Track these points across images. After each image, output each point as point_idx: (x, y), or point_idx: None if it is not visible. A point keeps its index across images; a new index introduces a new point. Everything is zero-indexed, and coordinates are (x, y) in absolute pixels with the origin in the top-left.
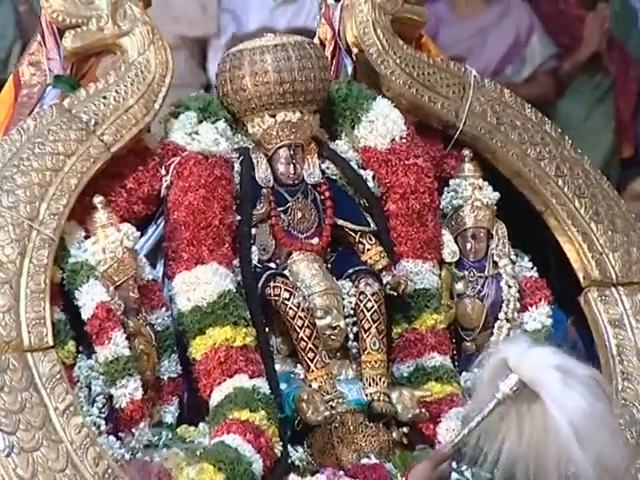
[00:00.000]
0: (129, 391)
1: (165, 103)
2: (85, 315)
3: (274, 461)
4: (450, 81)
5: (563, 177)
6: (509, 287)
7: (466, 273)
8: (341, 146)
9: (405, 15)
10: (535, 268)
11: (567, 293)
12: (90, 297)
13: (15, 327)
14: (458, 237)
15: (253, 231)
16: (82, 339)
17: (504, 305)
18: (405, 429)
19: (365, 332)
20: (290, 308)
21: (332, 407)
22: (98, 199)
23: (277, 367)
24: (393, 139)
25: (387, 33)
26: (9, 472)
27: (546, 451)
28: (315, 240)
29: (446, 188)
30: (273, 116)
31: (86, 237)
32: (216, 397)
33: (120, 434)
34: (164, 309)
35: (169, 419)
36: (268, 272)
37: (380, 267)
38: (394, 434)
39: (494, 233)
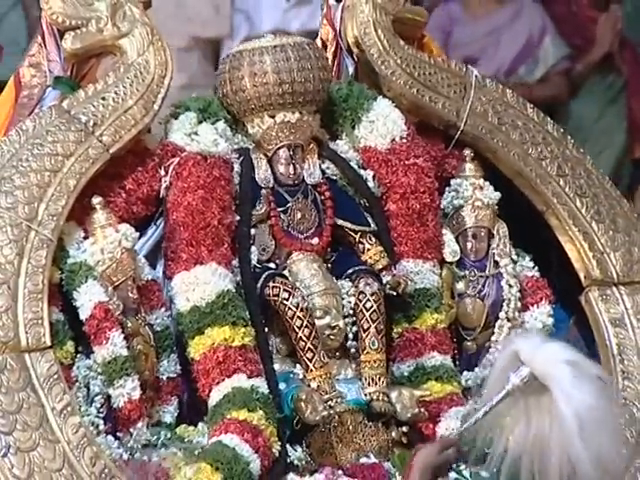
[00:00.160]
0: (127, 391)
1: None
2: (83, 315)
3: (272, 461)
4: (451, 81)
5: (564, 177)
6: (510, 286)
7: (467, 273)
8: (341, 146)
9: (406, 15)
10: (536, 267)
11: (569, 292)
12: (88, 297)
13: (12, 327)
14: (459, 237)
15: (253, 231)
16: (81, 339)
17: (505, 304)
18: (405, 428)
19: (364, 332)
20: (289, 308)
21: (331, 407)
22: (97, 200)
23: (276, 367)
24: (393, 139)
25: (388, 33)
26: (5, 472)
27: (550, 444)
28: (315, 240)
29: (447, 188)
30: (272, 117)
31: (85, 238)
32: (215, 397)
33: (118, 434)
34: (163, 309)
35: (168, 419)
36: (267, 272)
37: (380, 267)
38: (393, 433)
39: (495, 233)
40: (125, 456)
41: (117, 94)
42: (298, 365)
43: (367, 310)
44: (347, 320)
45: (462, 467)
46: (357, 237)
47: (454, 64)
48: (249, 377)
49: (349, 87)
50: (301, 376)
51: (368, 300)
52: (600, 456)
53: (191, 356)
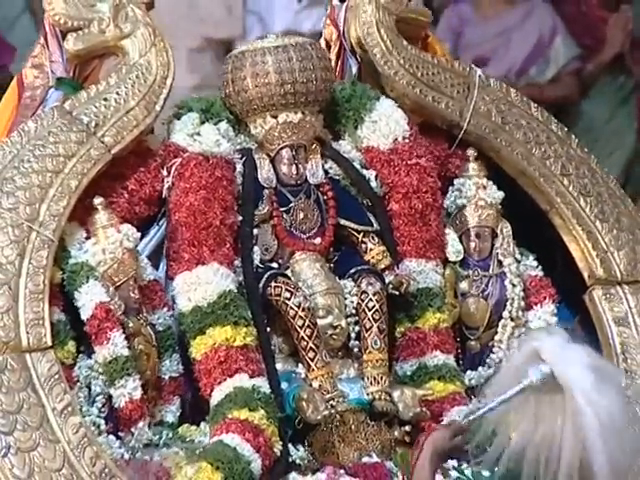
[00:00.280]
0: (128, 391)
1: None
2: (84, 315)
3: (273, 460)
4: (455, 81)
5: (568, 176)
6: (513, 286)
7: (470, 272)
8: (344, 146)
9: (410, 15)
10: (540, 267)
11: (574, 292)
12: (89, 297)
13: (13, 328)
14: (462, 236)
15: (255, 231)
16: (83, 339)
17: (508, 304)
18: (407, 428)
19: (366, 331)
20: (291, 308)
21: (332, 406)
22: (98, 200)
23: (279, 366)
24: (396, 139)
25: (391, 33)
26: (5, 472)
27: (563, 443)
28: (318, 240)
29: (450, 187)
30: (275, 117)
31: (87, 238)
32: (216, 396)
33: (120, 433)
34: (165, 309)
35: (170, 418)
36: (269, 272)
37: (383, 266)
38: (396, 433)
39: (499, 232)
40: (127, 456)
41: (119, 95)
42: (300, 365)
43: (369, 310)
44: (349, 320)
45: (464, 466)
46: (360, 237)
47: (458, 64)
48: (251, 377)
49: (352, 87)
50: (303, 375)
51: (370, 300)
52: (615, 461)
53: (193, 356)
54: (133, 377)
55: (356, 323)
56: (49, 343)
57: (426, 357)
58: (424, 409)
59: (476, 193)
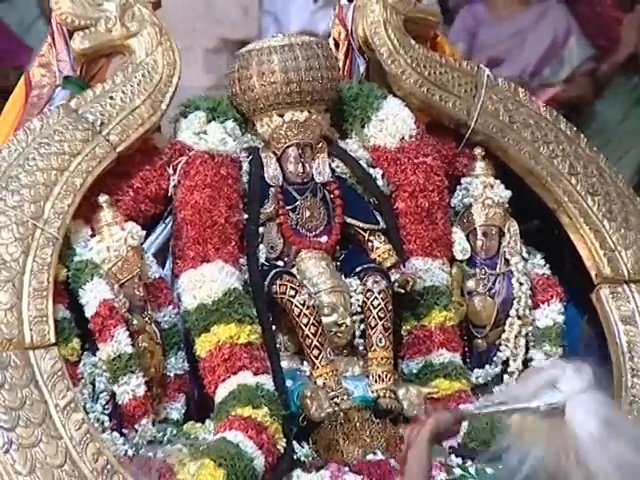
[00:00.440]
0: (131, 388)
1: None
2: (88, 313)
3: (277, 457)
4: (462, 80)
5: (576, 175)
6: (520, 284)
7: (477, 271)
8: (351, 145)
9: (418, 15)
10: (548, 265)
11: (582, 290)
12: (94, 295)
13: (17, 325)
14: (469, 235)
15: (261, 230)
16: (88, 337)
17: (515, 302)
18: None
19: (371, 329)
20: (295, 306)
21: (336, 404)
22: (103, 198)
23: (284, 364)
24: (402, 138)
25: (398, 33)
26: (7, 468)
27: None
28: (324, 238)
29: (458, 186)
30: (281, 115)
31: (92, 236)
32: (220, 394)
33: (124, 430)
34: (171, 307)
35: (175, 416)
36: (275, 270)
37: (389, 265)
38: (401, 430)
39: (506, 231)
40: (130, 452)
41: (125, 93)
42: (305, 362)
43: (374, 308)
44: (355, 318)
45: (468, 464)
46: (366, 235)
47: (466, 63)
48: (255, 374)
49: (359, 86)
50: (308, 373)
51: (375, 298)
52: None
53: (198, 353)
54: (137, 374)
55: (361, 321)
56: (52, 340)
57: (432, 355)
58: (429, 407)
59: (483, 192)
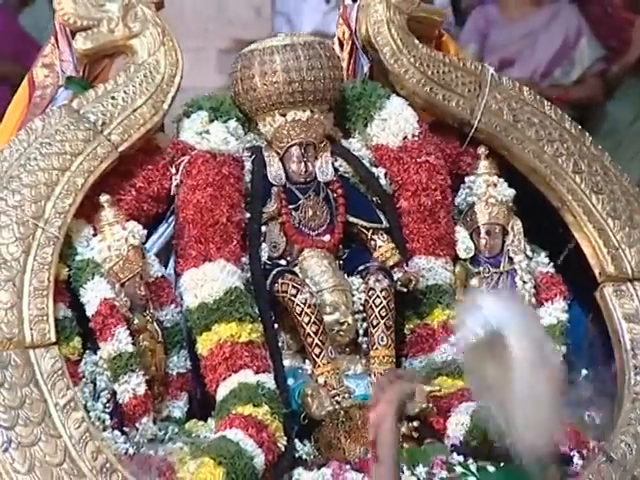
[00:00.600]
0: (132, 386)
1: None
2: (89, 312)
3: (278, 455)
4: (466, 79)
5: (580, 173)
6: (524, 282)
7: (481, 269)
8: (354, 144)
9: (421, 14)
10: (552, 264)
11: (587, 289)
12: (94, 294)
13: (17, 324)
14: (473, 233)
15: (263, 229)
16: (89, 336)
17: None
18: (415, 423)
19: (373, 328)
20: (297, 304)
21: (338, 402)
22: (104, 198)
23: (286, 363)
24: (405, 137)
25: (402, 32)
26: (6, 467)
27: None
28: (326, 237)
29: (462, 185)
30: (283, 115)
31: (94, 235)
32: (221, 392)
33: (125, 429)
34: (173, 305)
35: (177, 414)
36: (277, 269)
37: (392, 264)
38: (403, 428)
39: (509, 229)
40: (131, 451)
41: (126, 93)
42: (307, 361)
43: (376, 306)
44: (357, 316)
45: (469, 461)
46: (369, 234)
47: (470, 62)
48: (256, 373)
49: (362, 86)
50: (309, 372)
51: (377, 296)
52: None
53: (199, 352)
54: (137, 373)
55: (364, 320)
56: (53, 339)
57: (435, 353)
58: (430, 405)
59: (486, 191)
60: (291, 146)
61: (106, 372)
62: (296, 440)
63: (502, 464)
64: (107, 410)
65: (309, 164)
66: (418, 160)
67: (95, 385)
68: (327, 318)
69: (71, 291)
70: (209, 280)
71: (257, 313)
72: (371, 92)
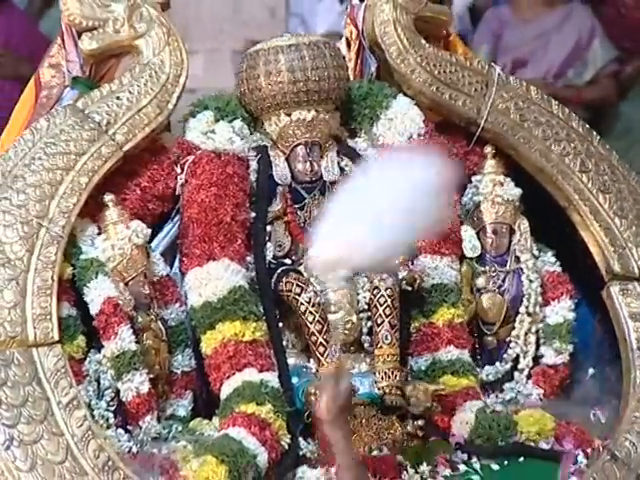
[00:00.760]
0: (135, 385)
1: None
2: (93, 310)
3: (281, 453)
4: (473, 79)
5: (587, 173)
6: (530, 281)
7: (487, 268)
8: (360, 144)
9: (428, 14)
10: (559, 263)
11: (595, 288)
12: (98, 293)
13: (20, 322)
14: (479, 233)
15: (269, 228)
16: (93, 334)
17: (525, 299)
18: (420, 422)
19: (378, 326)
20: (301, 303)
21: None
22: (109, 197)
23: (291, 361)
24: (411, 136)
25: (408, 32)
26: (8, 465)
27: None
28: None
29: (468, 184)
30: (289, 115)
31: (99, 234)
32: (225, 391)
33: (128, 427)
34: (178, 304)
35: (182, 412)
36: (282, 268)
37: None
38: (409, 427)
39: (516, 228)
40: (135, 449)
41: (131, 93)
42: (312, 359)
43: (381, 305)
44: (362, 315)
45: (473, 460)
46: None
47: (477, 62)
48: (259, 371)
49: (369, 85)
50: (314, 370)
51: (382, 295)
52: None
53: (203, 351)
54: (140, 372)
55: (368, 318)
56: (56, 338)
57: (440, 352)
58: (434, 403)
59: (493, 190)
60: (296, 146)
61: (109, 370)
62: (300, 438)
63: (506, 463)
64: (111, 408)
65: (315, 164)
66: None
67: (99, 383)
68: (331, 317)
69: (76, 290)
70: (213, 279)
71: (261, 312)
72: (377, 92)
